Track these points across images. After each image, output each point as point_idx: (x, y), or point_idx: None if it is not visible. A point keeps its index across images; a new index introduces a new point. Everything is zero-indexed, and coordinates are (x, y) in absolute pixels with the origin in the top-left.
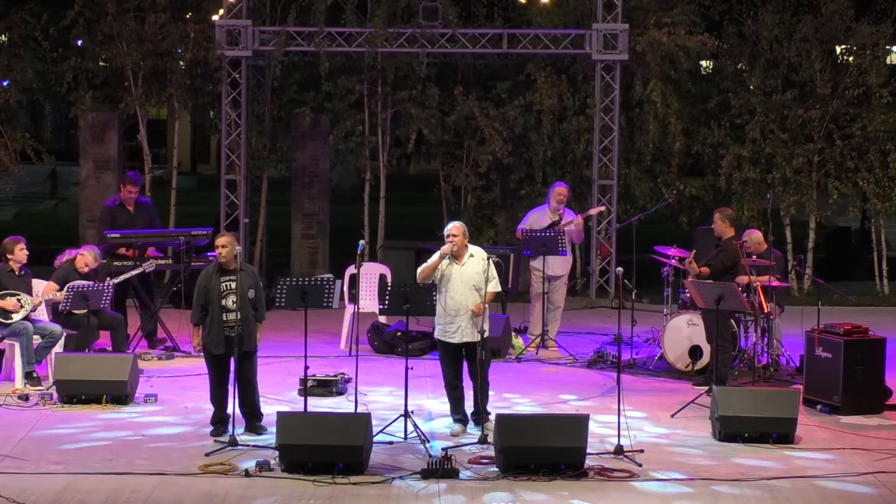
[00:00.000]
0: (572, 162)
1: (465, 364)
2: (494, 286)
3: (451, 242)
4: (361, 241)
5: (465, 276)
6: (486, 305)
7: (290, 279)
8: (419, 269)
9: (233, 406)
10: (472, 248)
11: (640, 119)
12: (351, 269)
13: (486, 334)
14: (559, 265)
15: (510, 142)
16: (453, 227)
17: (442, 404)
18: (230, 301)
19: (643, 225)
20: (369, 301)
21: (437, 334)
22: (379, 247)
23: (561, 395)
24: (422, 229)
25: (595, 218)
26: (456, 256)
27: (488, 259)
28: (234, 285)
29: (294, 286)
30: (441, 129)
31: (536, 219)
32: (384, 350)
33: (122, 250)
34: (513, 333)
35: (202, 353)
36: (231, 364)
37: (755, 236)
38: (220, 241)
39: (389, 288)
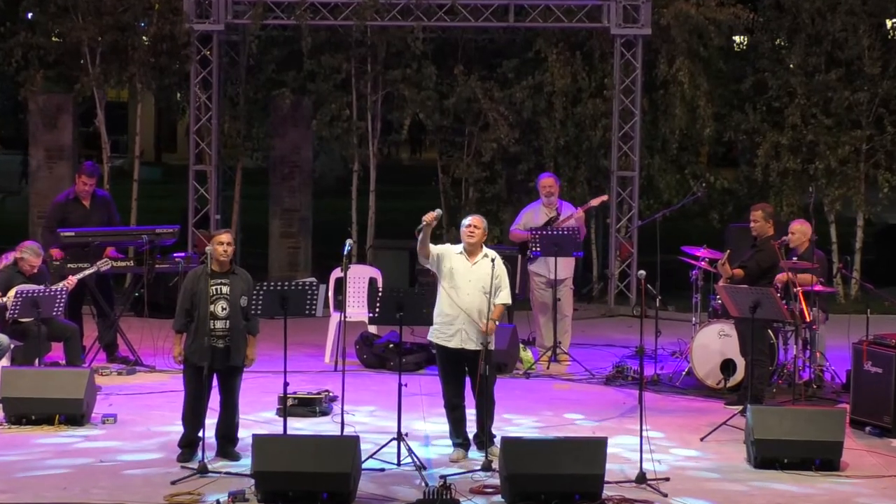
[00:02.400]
0: (588, 151)
1: (467, 380)
2: (505, 297)
3: (467, 229)
4: (349, 241)
5: (476, 276)
6: (496, 322)
7: (267, 283)
8: (418, 246)
9: (212, 427)
10: (487, 249)
11: (664, 102)
12: (337, 273)
13: (490, 346)
14: (563, 267)
15: (517, 128)
16: (474, 219)
17: (440, 426)
18: (219, 307)
19: (669, 222)
20: (357, 308)
21: (431, 335)
22: (368, 247)
23: (575, 415)
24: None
25: (605, 213)
26: (469, 253)
27: (495, 261)
28: (225, 290)
29: (272, 291)
30: (439, 113)
31: (531, 217)
32: (374, 364)
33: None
34: (521, 345)
35: (182, 365)
36: (214, 380)
37: (803, 228)
38: (224, 237)
39: (380, 293)
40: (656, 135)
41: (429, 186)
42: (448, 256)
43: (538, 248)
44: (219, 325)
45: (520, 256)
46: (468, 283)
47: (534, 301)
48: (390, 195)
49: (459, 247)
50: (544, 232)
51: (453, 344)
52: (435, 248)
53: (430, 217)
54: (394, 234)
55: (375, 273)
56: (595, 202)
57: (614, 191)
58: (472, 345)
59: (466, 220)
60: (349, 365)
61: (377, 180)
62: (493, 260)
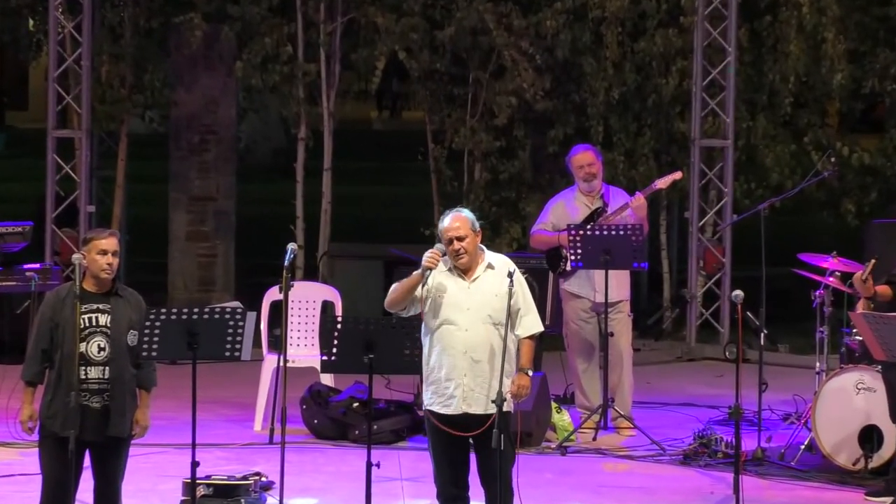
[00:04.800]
0: (656, 108)
1: (471, 458)
2: (532, 325)
3: (452, 248)
4: (292, 246)
5: (478, 300)
6: (530, 372)
7: (168, 310)
8: (391, 290)
9: None
10: (491, 257)
11: (772, 34)
12: (273, 294)
13: (507, 404)
14: (616, 284)
15: (548, 74)
16: (453, 221)
17: None
18: (95, 347)
19: (779, 217)
20: (305, 349)
21: (427, 402)
22: (322, 255)
23: None
24: (396, 224)
25: (683, 203)
26: (463, 269)
27: (513, 276)
28: (104, 320)
29: (175, 323)
30: (429, 51)
31: (562, 211)
32: (330, 433)
33: None
34: (553, 404)
35: (36, 435)
36: (86, 457)
37: None
38: (106, 242)
39: (339, 326)
40: (760, 85)
41: (413, 162)
42: (432, 282)
43: (578, 257)
44: (93, 373)
45: (550, 271)
46: (466, 312)
47: (570, 337)
48: (354, 176)
49: (444, 263)
50: (586, 232)
51: (454, 409)
52: (407, 299)
53: (433, 259)
54: (360, 234)
55: (332, 294)
56: (662, 183)
57: (696, 169)
58: (478, 406)
59: (443, 226)
60: (292, 434)
61: (335, 154)
62: (510, 274)
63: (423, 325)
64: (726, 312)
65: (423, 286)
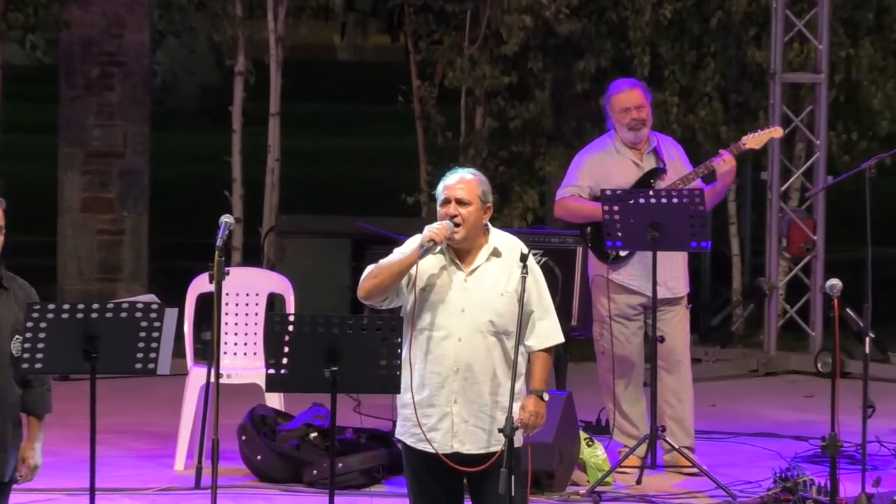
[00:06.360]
0: (722, 30)
1: None
2: (548, 334)
3: (451, 217)
4: (227, 219)
5: (477, 299)
6: (545, 395)
7: (56, 307)
8: (368, 271)
9: None
10: (498, 238)
11: None
12: (202, 285)
13: (517, 435)
14: (674, 272)
15: None
16: (458, 180)
17: None
18: None
19: (892, 178)
20: (244, 358)
21: (398, 432)
22: (268, 231)
23: None
24: (368, 189)
25: (757, 162)
26: (458, 251)
27: (527, 260)
28: None
29: (66, 324)
30: None
31: (600, 169)
32: (277, 474)
33: None
34: (582, 435)
35: None
36: None
37: None
38: None
39: (291, 327)
40: None
41: (392, 106)
42: (420, 271)
43: (617, 236)
44: None
45: (579, 250)
46: (460, 316)
47: (606, 345)
48: (312, 124)
49: (435, 247)
50: (626, 201)
51: (436, 444)
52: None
53: (440, 232)
54: (319, 203)
55: (281, 284)
56: (753, 142)
57: (777, 113)
58: (474, 443)
59: (444, 186)
60: (226, 475)
61: (285, 94)
62: (523, 260)
63: (404, 332)
64: (818, 309)
65: (419, 259)
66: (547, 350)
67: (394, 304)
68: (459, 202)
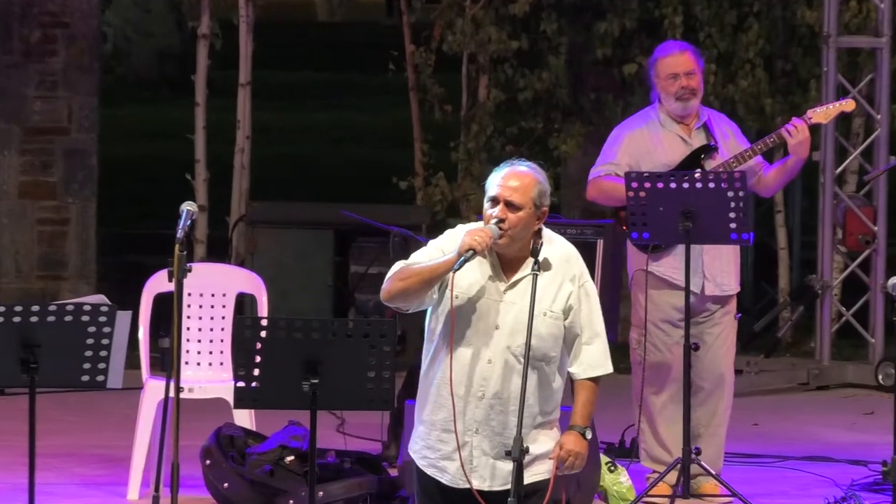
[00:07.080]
0: None
1: None
2: (596, 362)
3: (498, 222)
4: (189, 207)
5: (514, 315)
6: (588, 433)
7: None
8: (396, 271)
9: None
10: (550, 244)
11: None
12: (160, 283)
13: (545, 465)
14: (724, 266)
15: None
16: (511, 176)
17: None
18: None
19: None
20: (208, 369)
21: (411, 447)
22: (237, 220)
23: None
24: (353, 172)
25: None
26: (500, 257)
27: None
28: None
29: (7, 327)
30: None
31: (644, 145)
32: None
33: None
34: (603, 459)
35: None
36: None
37: None
38: None
39: (263, 333)
40: None
41: (381, 75)
42: (446, 283)
43: (643, 226)
44: None
45: (601, 243)
46: (493, 334)
47: (640, 353)
48: (288, 96)
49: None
50: (655, 184)
51: (450, 476)
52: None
53: (481, 242)
54: (295, 188)
55: (252, 283)
56: (820, 116)
57: (831, 83)
58: (497, 480)
59: (494, 181)
60: None
61: (257, 61)
62: (573, 278)
63: (426, 342)
64: (879, 313)
65: (453, 272)
66: (593, 380)
67: (421, 307)
68: (509, 206)
